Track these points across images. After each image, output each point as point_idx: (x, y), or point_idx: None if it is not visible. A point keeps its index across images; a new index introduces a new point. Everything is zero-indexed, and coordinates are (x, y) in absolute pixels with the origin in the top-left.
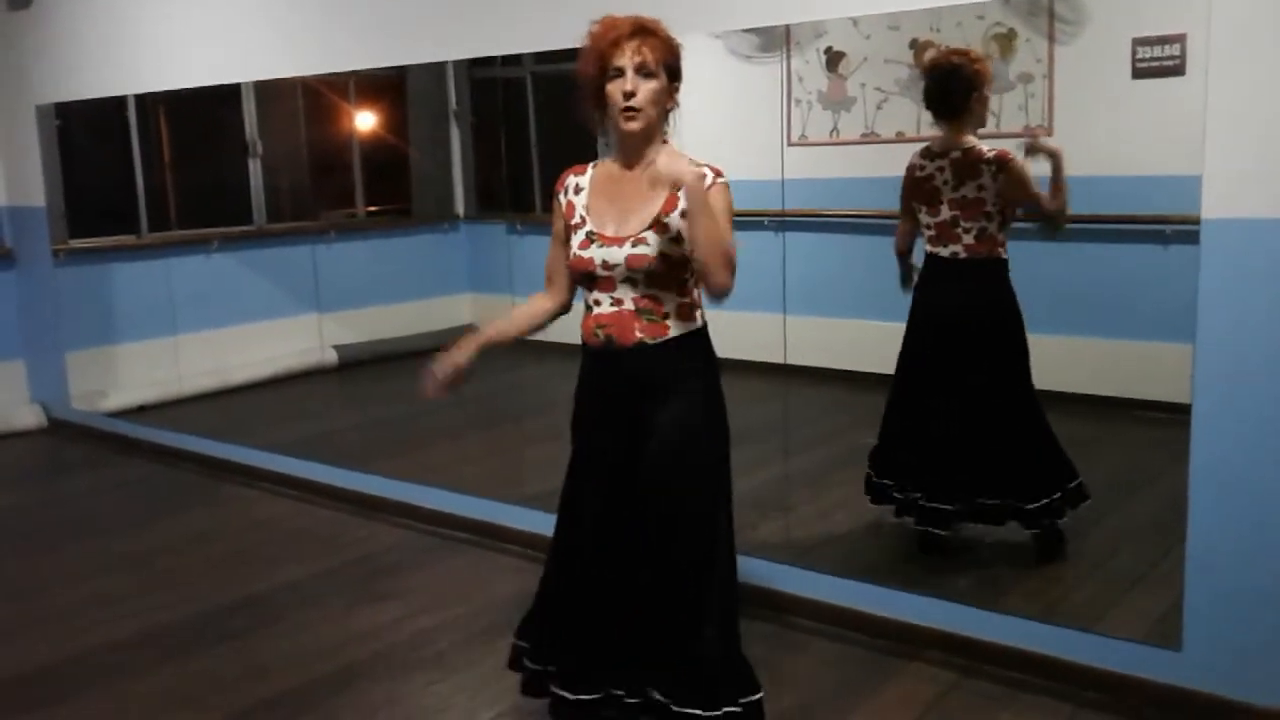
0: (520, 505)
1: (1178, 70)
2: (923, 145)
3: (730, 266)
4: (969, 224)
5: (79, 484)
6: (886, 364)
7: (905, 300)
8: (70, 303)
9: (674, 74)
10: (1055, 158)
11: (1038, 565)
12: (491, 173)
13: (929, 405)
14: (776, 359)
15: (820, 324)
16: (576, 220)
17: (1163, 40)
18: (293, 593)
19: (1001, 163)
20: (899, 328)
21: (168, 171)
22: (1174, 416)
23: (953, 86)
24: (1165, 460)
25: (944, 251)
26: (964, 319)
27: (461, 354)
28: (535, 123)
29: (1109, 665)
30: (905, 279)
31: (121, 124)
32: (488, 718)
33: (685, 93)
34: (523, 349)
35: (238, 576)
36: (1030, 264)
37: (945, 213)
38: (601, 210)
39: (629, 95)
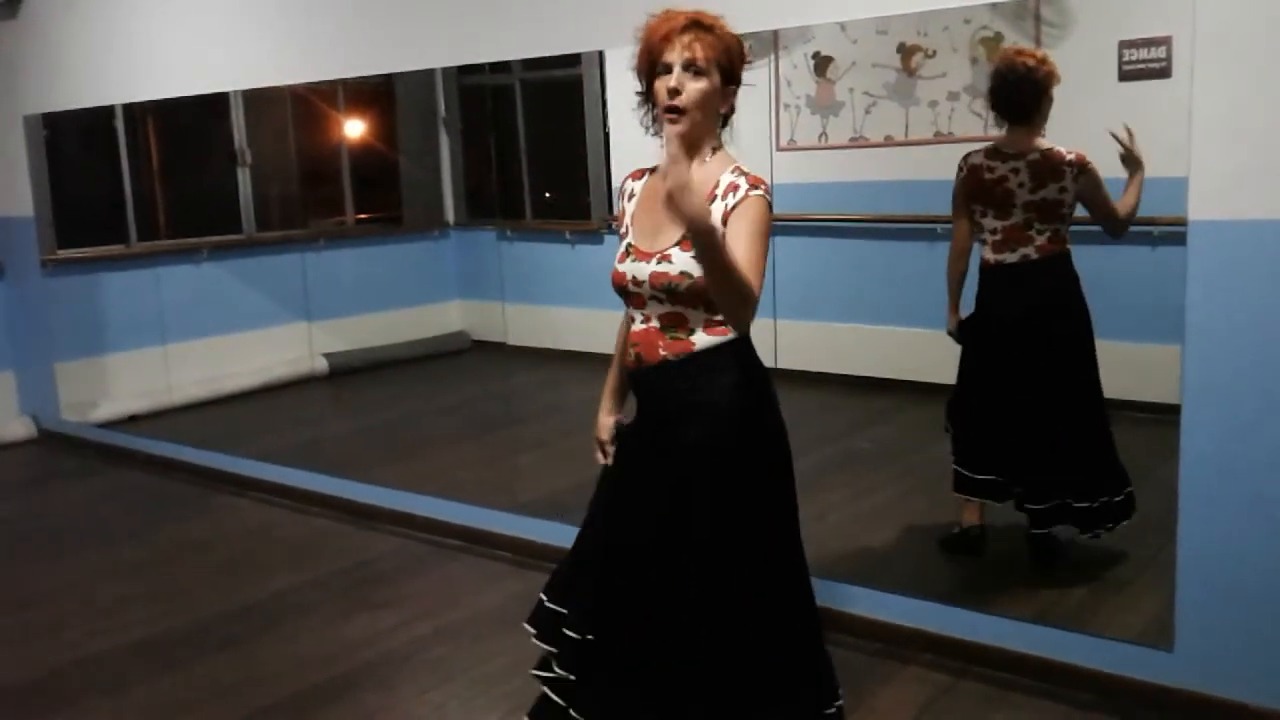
0: (513, 512)
1: (1164, 72)
2: (982, 147)
3: (748, 302)
4: (1044, 225)
5: (71, 495)
6: (877, 367)
7: (895, 303)
8: (59, 313)
9: (730, 76)
10: (1140, 168)
11: (1031, 567)
12: (481, 180)
13: (1009, 411)
14: (767, 363)
15: (810, 328)
16: (624, 230)
17: (1148, 43)
18: (287, 601)
19: (1083, 165)
20: (889, 331)
21: (156, 181)
22: (1163, 417)
23: (1026, 88)
24: (1155, 461)
25: (1011, 256)
26: (1040, 320)
27: (609, 417)
28: (524, 129)
29: (1101, 666)
30: (954, 308)
31: (109, 133)
32: None
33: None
34: (514, 356)
35: (232, 585)
36: None
37: (1018, 216)
38: (643, 221)
39: (673, 93)
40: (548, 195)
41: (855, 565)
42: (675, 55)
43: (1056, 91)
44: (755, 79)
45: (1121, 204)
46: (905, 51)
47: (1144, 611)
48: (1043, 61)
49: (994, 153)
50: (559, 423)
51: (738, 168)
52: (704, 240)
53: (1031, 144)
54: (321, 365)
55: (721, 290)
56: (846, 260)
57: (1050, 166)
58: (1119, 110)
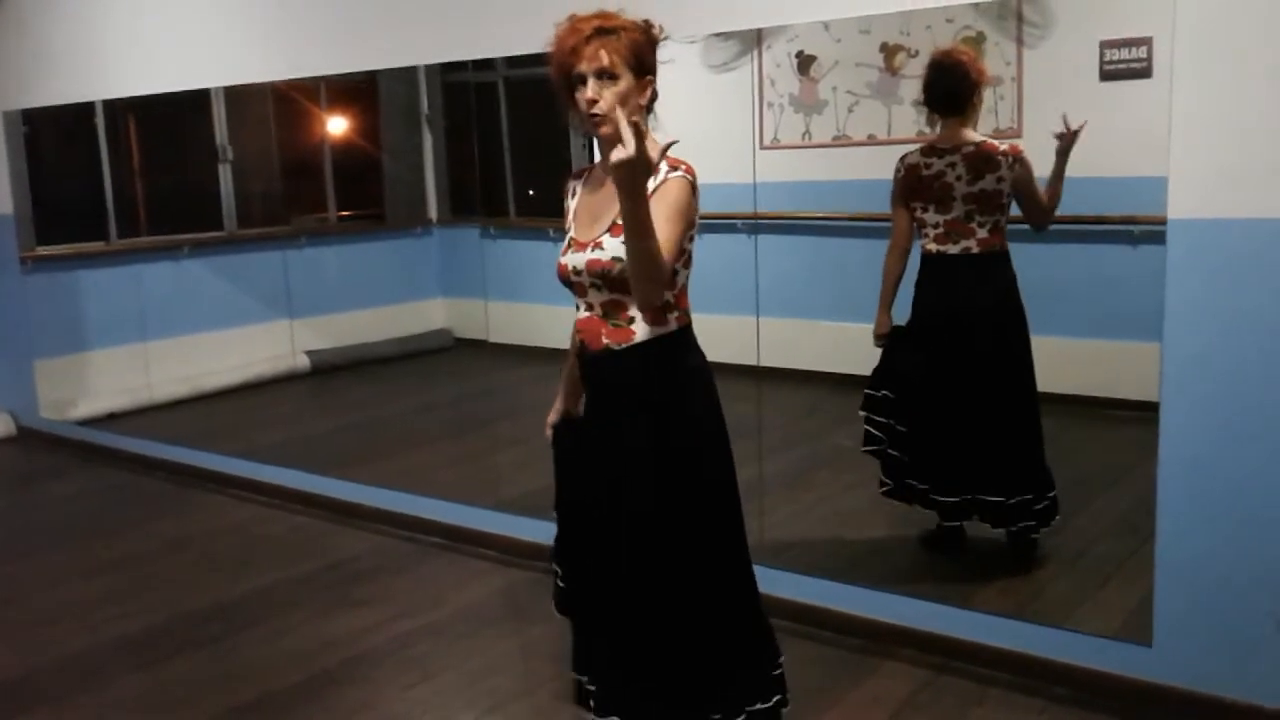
0: (493, 510)
1: (1145, 73)
2: (916, 146)
3: (657, 283)
4: (984, 218)
5: (50, 492)
6: (860, 365)
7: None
8: (39, 310)
9: (642, 68)
10: (1064, 158)
11: (1011, 563)
12: (464, 177)
13: (943, 405)
14: (750, 361)
15: (793, 326)
16: (567, 225)
17: (1130, 43)
18: (267, 599)
19: (1017, 155)
20: (871, 329)
21: (137, 177)
22: (1142, 414)
23: (960, 82)
24: (1134, 457)
25: (953, 249)
26: (979, 316)
27: (560, 403)
28: (508, 127)
29: (1080, 661)
30: (886, 308)
31: (90, 130)
32: None
33: (660, 98)
34: (496, 354)
35: (211, 583)
36: None
37: (958, 209)
38: (581, 214)
39: (591, 103)
40: (531, 193)
41: (836, 561)
42: (585, 66)
43: (1038, 90)
44: (738, 78)
45: (1046, 193)
46: (888, 51)
47: (1123, 607)
48: (975, 59)
49: (930, 150)
50: (540, 420)
51: (661, 150)
52: (635, 215)
53: (965, 137)
54: (303, 363)
55: (636, 268)
56: (830, 259)
57: (985, 157)
58: (1100, 110)
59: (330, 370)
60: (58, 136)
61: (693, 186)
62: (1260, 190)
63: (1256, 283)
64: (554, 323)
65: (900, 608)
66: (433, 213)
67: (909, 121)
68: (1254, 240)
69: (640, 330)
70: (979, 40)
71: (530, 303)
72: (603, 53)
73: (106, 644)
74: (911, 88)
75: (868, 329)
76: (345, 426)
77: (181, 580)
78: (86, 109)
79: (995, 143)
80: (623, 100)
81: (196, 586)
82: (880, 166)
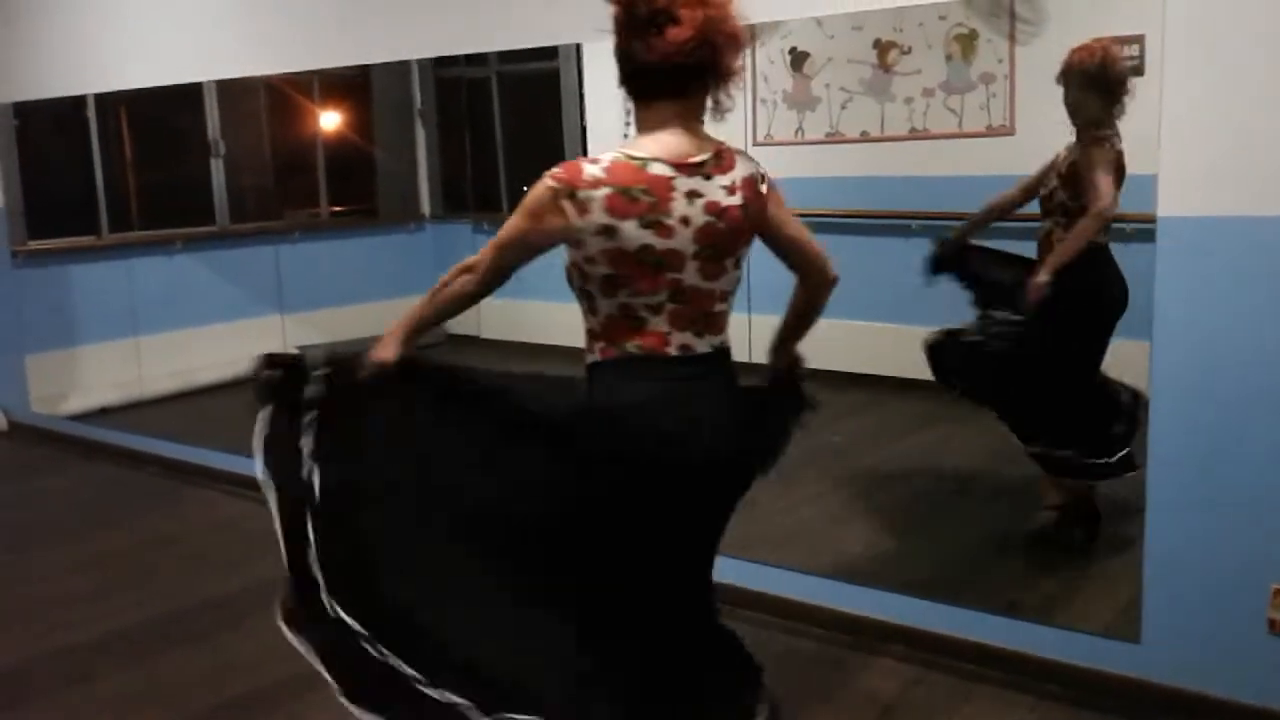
0: None
1: (1137, 71)
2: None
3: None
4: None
5: (41, 487)
6: (851, 362)
7: (869, 299)
8: (30, 305)
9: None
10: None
11: (1000, 560)
12: (457, 172)
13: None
14: (741, 358)
15: None
16: None
17: (1122, 41)
18: (256, 594)
19: None
20: (863, 326)
21: (129, 171)
22: None
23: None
24: None
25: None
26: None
27: None
28: (501, 122)
29: (1069, 658)
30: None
31: (81, 124)
32: None
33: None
34: (487, 349)
35: (201, 578)
36: None
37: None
38: None
39: None
40: (524, 188)
41: (825, 558)
42: None
43: (1031, 87)
44: None
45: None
46: (881, 47)
47: (1112, 605)
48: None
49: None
50: None
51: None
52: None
53: None
54: None
55: None
56: None
57: None
58: None
59: None
60: (49, 130)
61: (551, 190)
62: (1250, 188)
63: (1245, 279)
64: (547, 319)
65: (890, 604)
66: (425, 208)
67: (902, 119)
68: (1243, 238)
69: (588, 354)
70: (971, 37)
71: (523, 299)
72: None
73: (96, 638)
74: (904, 85)
75: (859, 326)
76: None
77: (172, 575)
78: (78, 102)
79: None
80: None
81: (188, 582)
82: (873, 163)
